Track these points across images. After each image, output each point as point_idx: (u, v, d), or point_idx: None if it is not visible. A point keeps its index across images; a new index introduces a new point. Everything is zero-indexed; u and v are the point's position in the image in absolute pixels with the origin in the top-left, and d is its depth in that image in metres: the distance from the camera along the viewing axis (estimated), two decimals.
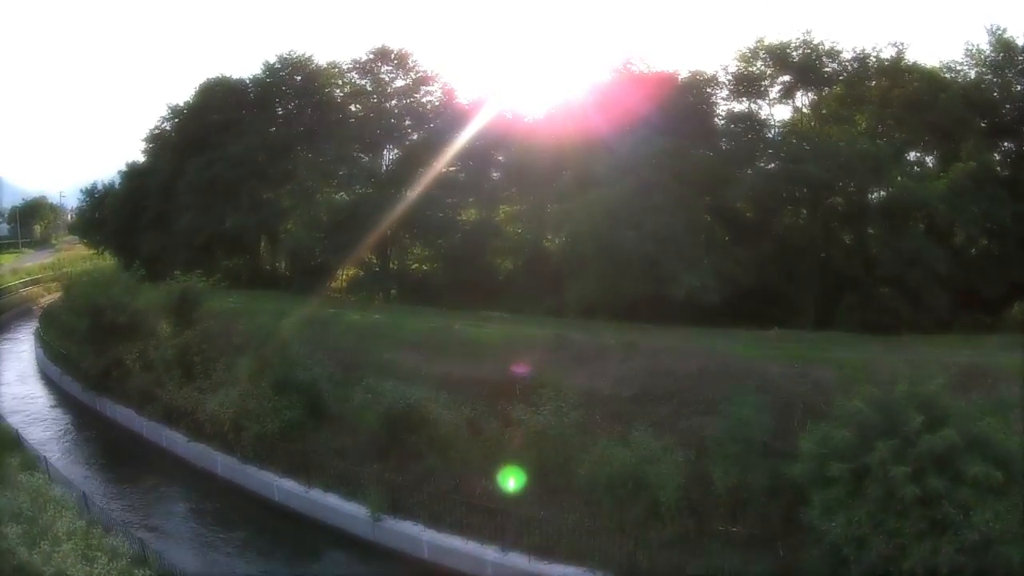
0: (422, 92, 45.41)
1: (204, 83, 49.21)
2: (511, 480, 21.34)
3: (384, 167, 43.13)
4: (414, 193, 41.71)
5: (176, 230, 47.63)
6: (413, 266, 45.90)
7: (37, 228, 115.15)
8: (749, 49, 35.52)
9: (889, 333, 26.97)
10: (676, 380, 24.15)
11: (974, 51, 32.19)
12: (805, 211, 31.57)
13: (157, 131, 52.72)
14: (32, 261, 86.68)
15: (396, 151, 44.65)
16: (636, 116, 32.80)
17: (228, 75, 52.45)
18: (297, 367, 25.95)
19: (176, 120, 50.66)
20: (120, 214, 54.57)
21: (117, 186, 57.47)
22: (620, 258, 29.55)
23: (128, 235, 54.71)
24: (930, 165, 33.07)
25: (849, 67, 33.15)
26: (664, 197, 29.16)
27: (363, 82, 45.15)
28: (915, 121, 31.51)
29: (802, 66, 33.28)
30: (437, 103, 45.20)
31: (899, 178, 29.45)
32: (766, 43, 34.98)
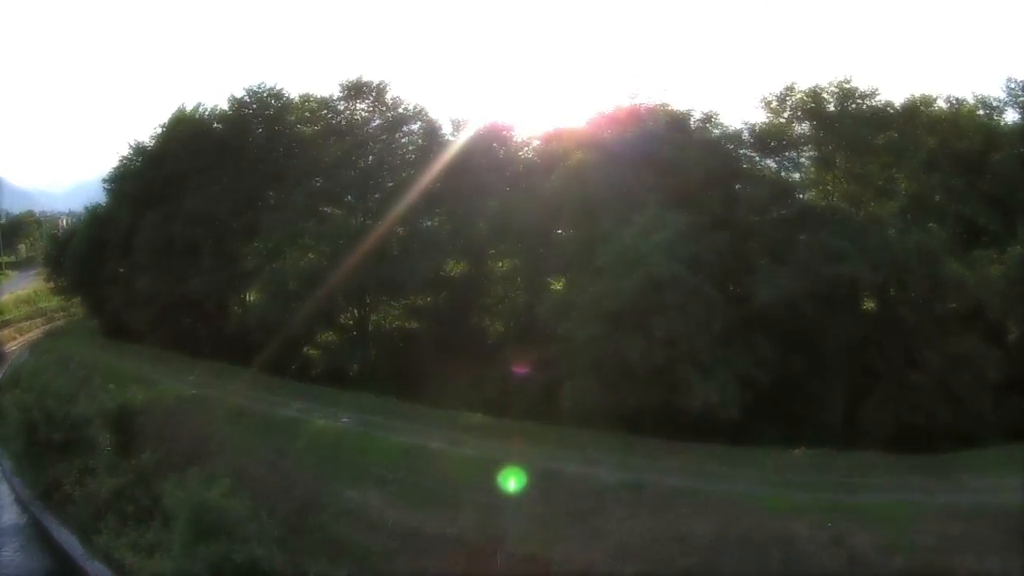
0: (402, 132, 40.64)
1: (169, 120, 44.81)
2: None
3: (360, 219, 38.11)
4: (393, 246, 37.58)
5: (136, 290, 43.56)
6: (395, 323, 41.52)
7: (23, 247, 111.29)
8: (776, 96, 30.79)
9: (926, 438, 24.88)
10: (689, 550, 19.95)
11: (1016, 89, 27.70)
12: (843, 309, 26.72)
13: (119, 171, 48.36)
14: (10, 290, 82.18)
15: (375, 195, 39.77)
16: (643, 177, 28.32)
17: (198, 105, 48.37)
18: (235, 544, 21.63)
19: (137, 163, 46.11)
20: (81, 264, 51.01)
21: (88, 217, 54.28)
22: (624, 366, 25.14)
23: (91, 286, 51.13)
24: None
25: (894, 120, 28.13)
26: (677, 294, 24.53)
27: (338, 119, 40.19)
28: (965, 187, 26.74)
29: (839, 120, 28.36)
30: (419, 142, 40.51)
31: (952, 267, 24.57)
32: (797, 89, 30.44)
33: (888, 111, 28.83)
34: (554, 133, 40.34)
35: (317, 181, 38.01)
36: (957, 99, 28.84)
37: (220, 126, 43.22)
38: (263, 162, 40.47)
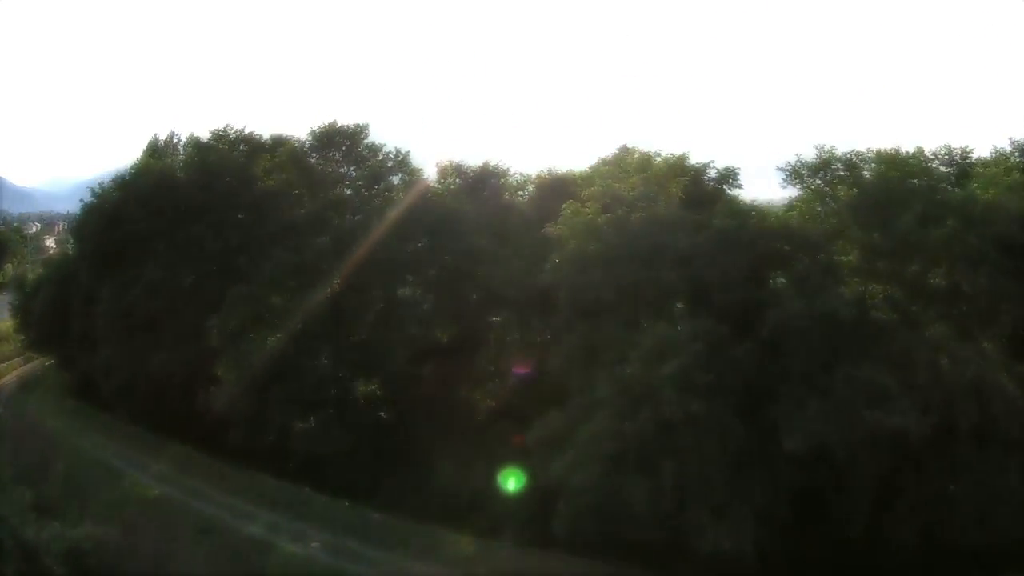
0: (380, 187, 36.81)
1: (129, 173, 41.24)
2: None
3: (331, 291, 34.34)
4: (367, 323, 34.07)
5: (97, 361, 40.27)
6: (375, 398, 37.89)
7: (9, 267, 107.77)
8: (804, 162, 27.01)
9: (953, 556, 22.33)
10: None
11: None
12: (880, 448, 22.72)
13: (81, 223, 45.00)
14: None
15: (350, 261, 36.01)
16: (654, 270, 24.55)
17: (171, 136, 45.11)
18: None
19: (101, 212, 42.29)
20: (47, 322, 47.78)
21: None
22: (626, 511, 21.71)
23: (58, 343, 48.13)
24: None
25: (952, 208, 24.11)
26: (691, 435, 20.99)
27: (310, 171, 36.38)
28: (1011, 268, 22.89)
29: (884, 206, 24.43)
30: (400, 197, 36.62)
31: (1008, 391, 20.87)
32: (835, 153, 26.75)
33: (946, 191, 25.16)
34: (549, 181, 36.89)
35: (286, 246, 33.98)
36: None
37: (183, 174, 39.41)
38: (228, 224, 36.61)
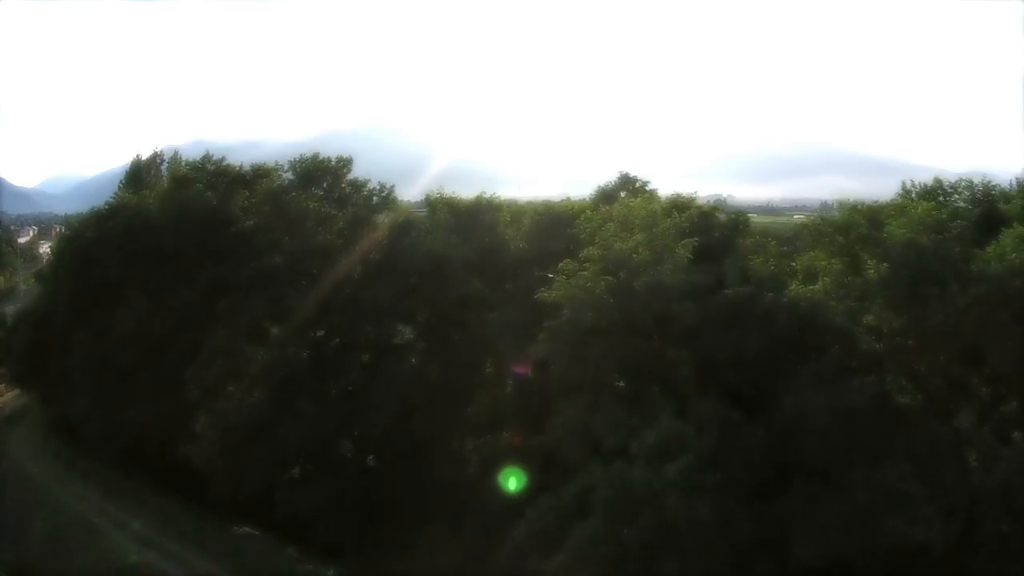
0: (366, 228, 34.77)
1: (102, 211, 39.25)
2: None
3: (311, 349, 32.41)
4: (355, 377, 32.10)
5: (74, 408, 38.63)
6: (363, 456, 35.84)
7: (1, 279, 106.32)
8: (828, 220, 25.64)
9: None
10: None
11: None
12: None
13: (55, 260, 43.26)
14: None
15: (332, 312, 33.84)
16: (654, 346, 22.58)
17: (157, 155, 43.28)
18: None
19: (71, 260, 40.62)
20: (24, 360, 46.11)
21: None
22: None
23: (36, 382, 46.61)
24: None
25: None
26: (696, 538, 19.21)
27: (298, 200, 34.06)
28: None
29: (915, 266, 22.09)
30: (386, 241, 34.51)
31: None
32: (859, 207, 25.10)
33: (980, 258, 21.83)
34: (546, 217, 34.93)
35: (265, 295, 31.92)
36: None
37: (159, 208, 37.06)
38: (203, 270, 34.47)
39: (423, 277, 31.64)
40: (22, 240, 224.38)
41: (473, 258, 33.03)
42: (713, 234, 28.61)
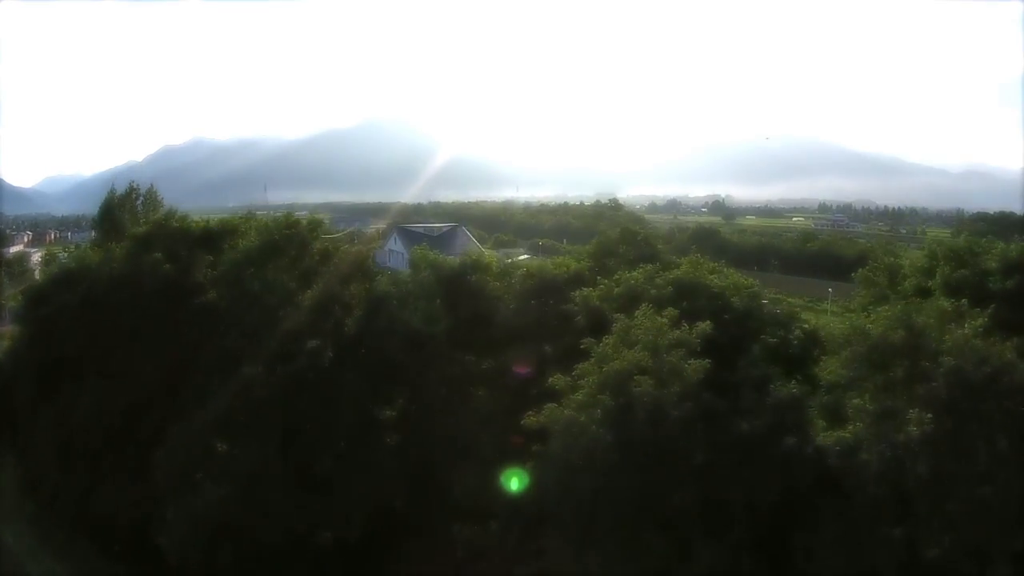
0: (337, 304, 32.47)
1: (58, 270, 37.17)
2: None
3: (285, 426, 30.31)
4: (329, 462, 29.92)
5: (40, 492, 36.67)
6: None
7: None
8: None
9: None
10: None
11: None
12: None
13: (19, 326, 40.97)
14: None
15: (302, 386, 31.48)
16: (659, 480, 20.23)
17: (118, 204, 41.20)
18: None
19: (32, 331, 38.12)
20: None
21: None
22: None
23: (9, 444, 44.40)
24: None
25: None
26: None
27: (263, 274, 31.88)
28: None
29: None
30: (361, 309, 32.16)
31: None
32: None
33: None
34: (536, 282, 32.92)
35: (228, 384, 29.56)
36: None
37: (122, 268, 34.38)
38: (165, 346, 32.16)
39: (402, 356, 29.53)
40: (13, 249, 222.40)
41: (459, 329, 31.31)
42: (725, 319, 26.64)
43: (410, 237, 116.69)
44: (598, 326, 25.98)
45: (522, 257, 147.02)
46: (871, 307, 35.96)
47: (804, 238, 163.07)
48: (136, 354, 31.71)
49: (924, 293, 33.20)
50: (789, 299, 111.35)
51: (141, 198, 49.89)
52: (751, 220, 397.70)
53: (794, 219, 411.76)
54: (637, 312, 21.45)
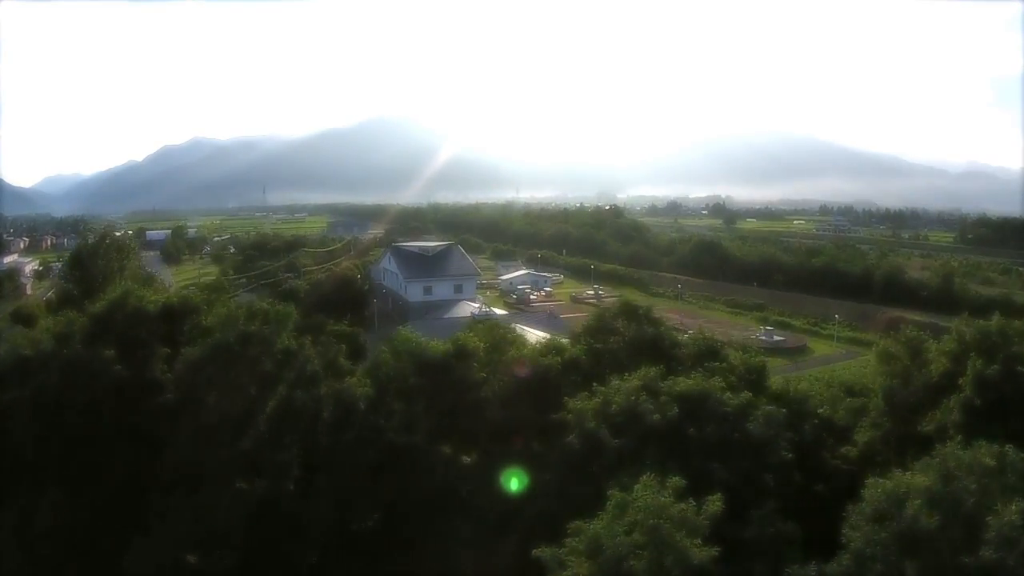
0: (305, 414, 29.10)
1: (13, 351, 33.63)
2: None
3: (247, 552, 27.15)
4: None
5: None
6: None
7: None
8: None
9: None
10: None
11: None
12: None
13: None
14: None
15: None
16: None
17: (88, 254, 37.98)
18: None
19: None
20: None
21: None
22: None
23: None
24: None
25: None
26: None
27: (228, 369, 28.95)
28: None
29: None
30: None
31: None
32: None
33: None
34: (525, 377, 29.96)
35: (189, 502, 26.38)
36: None
37: (70, 356, 30.14)
38: (122, 453, 28.87)
39: (378, 468, 26.55)
40: (8, 259, 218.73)
41: (441, 422, 28.34)
42: (738, 445, 23.44)
43: (404, 257, 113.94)
44: (592, 451, 23.17)
45: (520, 273, 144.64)
46: (894, 384, 33.22)
47: (808, 252, 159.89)
48: (95, 458, 28.61)
49: (952, 379, 30.47)
50: (792, 320, 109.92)
51: (113, 238, 46.69)
52: (752, 223, 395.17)
53: (795, 222, 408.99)
54: (636, 486, 18.52)
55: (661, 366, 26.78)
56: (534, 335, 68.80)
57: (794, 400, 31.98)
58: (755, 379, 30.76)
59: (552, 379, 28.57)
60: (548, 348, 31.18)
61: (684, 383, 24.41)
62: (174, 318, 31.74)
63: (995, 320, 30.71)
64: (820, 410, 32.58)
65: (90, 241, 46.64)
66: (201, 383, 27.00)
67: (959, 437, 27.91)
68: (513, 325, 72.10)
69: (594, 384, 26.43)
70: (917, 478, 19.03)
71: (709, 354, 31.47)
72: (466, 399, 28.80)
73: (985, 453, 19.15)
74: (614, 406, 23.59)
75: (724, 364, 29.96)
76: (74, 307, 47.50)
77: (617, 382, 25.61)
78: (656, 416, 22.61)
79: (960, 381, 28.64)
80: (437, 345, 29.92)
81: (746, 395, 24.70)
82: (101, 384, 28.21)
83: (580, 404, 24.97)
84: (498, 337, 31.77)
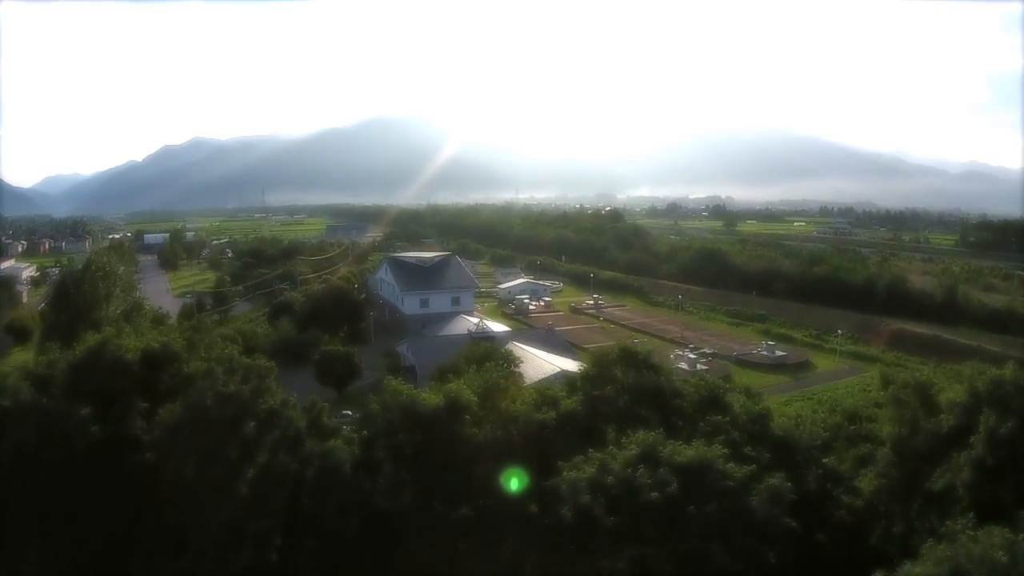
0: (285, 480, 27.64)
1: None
2: None
3: None
4: None
5: None
6: None
7: None
8: None
9: None
10: None
11: None
12: None
13: None
14: None
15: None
16: None
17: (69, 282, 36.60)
18: None
19: None
20: None
21: None
22: None
23: None
24: None
25: None
26: None
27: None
28: None
29: None
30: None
31: None
32: None
33: None
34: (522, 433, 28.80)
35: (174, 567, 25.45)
36: None
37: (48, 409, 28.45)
38: (105, 506, 27.17)
39: (364, 535, 25.28)
40: (5, 264, 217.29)
41: (431, 479, 27.10)
42: (742, 520, 22.28)
43: (401, 268, 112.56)
44: (586, 527, 21.99)
45: (519, 281, 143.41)
46: (903, 432, 32.11)
47: (810, 260, 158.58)
48: (76, 515, 27.42)
49: (965, 434, 29.36)
50: (794, 333, 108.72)
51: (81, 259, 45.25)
52: (752, 225, 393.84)
53: (795, 224, 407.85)
54: None
55: (660, 430, 25.55)
56: (532, 356, 67.72)
57: (798, 449, 30.95)
58: (758, 429, 29.67)
59: (547, 436, 27.37)
60: (543, 400, 29.93)
61: (684, 453, 23.17)
62: (155, 365, 30.60)
63: (1009, 369, 29.55)
64: (825, 460, 31.49)
65: (76, 268, 45.44)
66: (179, 447, 25.80)
67: (968, 500, 26.85)
68: (510, 345, 71.30)
69: (590, 449, 25.28)
70: (927, 568, 18.08)
71: (711, 403, 30.33)
72: (457, 456, 27.60)
73: (998, 542, 18.13)
74: (610, 477, 22.41)
75: (726, 419, 28.79)
76: (59, 338, 46.61)
77: (613, 448, 24.45)
78: (655, 494, 21.43)
79: (972, 439, 27.50)
80: (428, 397, 28.70)
81: (748, 469, 23.52)
82: (80, 442, 27.05)
83: (574, 474, 23.79)
84: (491, 384, 30.55)
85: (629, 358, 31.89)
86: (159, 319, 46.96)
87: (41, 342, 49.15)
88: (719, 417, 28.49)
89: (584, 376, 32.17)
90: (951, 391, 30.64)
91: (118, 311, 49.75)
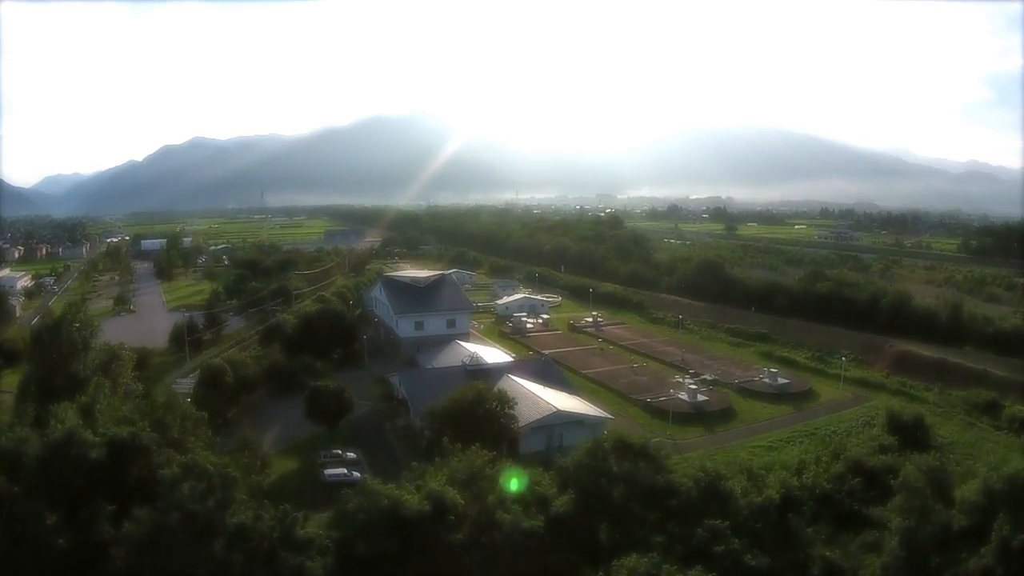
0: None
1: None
2: None
3: None
4: None
5: None
6: None
7: None
8: None
9: None
10: None
11: None
12: None
13: None
14: None
15: None
16: None
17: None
18: None
19: None
20: None
21: None
22: None
23: None
24: None
25: None
26: None
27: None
28: None
29: None
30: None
31: None
32: None
33: None
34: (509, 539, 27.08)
35: None
36: None
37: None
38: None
39: None
40: (1, 273, 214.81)
41: None
42: None
43: (395, 289, 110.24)
44: None
45: (517, 297, 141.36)
46: (912, 523, 30.61)
47: (813, 271, 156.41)
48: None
49: (979, 537, 27.82)
50: (796, 355, 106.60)
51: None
52: (753, 228, 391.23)
53: (796, 227, 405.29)
54: None
55: (654, 554, 23.87)
56: (527, 392, 66.07)
57: (800, 544, 29.39)
58: (760, 528, 28.01)
59: (535, 548, 25.67)
60: (533, 499, 28.24)
61: None
62: (123, 457, 28.99)
63: None
64: (827, 552, 29.89)
65: (49, 320, 43.84)
66: (146, 566, 24.19)
67: None
68: (505, 380, 69.60)
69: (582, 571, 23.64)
70: None
71: (710, 497, 28.64)
72: (441, 561, 25.91)
73: None
74: None
75: (726, 523, 27.12)
76: (36, 395, 45.03)
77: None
78: None
79: (983, 549, 25.92)
80: (411, 500, 26.99)
81: None
82: (49, 553, 25.51)
83: None
84: (476, 471, 28.86)
85: (624, 450, 30.19)
86: (130, 392, 45.45)
87: (18, 400, 47.58)
88: (718, 522, 26.81)
89: (577, 468, 30.45)
90: (965, 487, 29.13)
91: (95, 362, 48.10)
